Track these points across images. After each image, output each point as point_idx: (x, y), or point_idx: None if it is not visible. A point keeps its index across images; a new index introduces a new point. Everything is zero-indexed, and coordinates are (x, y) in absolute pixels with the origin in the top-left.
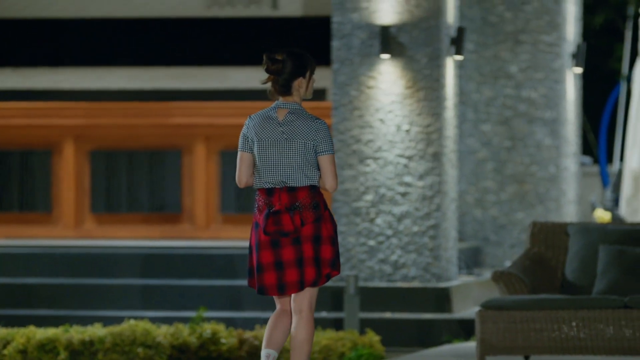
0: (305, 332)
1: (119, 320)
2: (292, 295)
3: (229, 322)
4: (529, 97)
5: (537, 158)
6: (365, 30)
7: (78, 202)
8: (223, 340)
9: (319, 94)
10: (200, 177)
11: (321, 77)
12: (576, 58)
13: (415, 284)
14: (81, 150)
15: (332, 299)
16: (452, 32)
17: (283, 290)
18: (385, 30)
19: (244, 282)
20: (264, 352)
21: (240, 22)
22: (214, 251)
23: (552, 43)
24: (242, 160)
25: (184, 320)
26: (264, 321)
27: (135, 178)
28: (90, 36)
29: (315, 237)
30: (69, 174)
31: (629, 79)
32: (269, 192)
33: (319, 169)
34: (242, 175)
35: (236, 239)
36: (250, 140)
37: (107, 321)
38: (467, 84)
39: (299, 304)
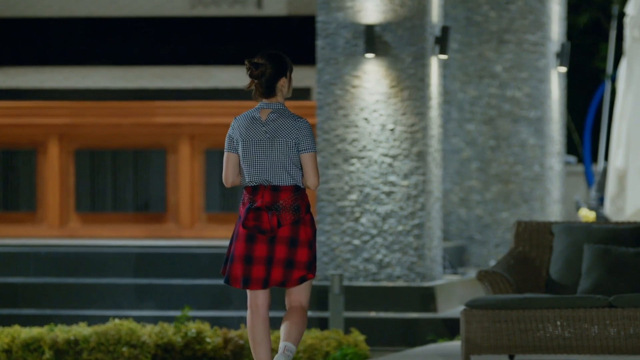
0: (295, 320)
1: (103, 319)
2: (286, 292)
3: (214, 322)
4: (514, 97)
5: (522, 157)
6: (349, 30)
7: (62, 201)
8: (208, 340)
9: (304, 93)
10: (184, 176)
11: (306, 77)
12: (561, 57)
13: (400, 283)
14: (66, 149)
15: (317, 299)
16: (437, 32)
17: (247, 284)
18: (369, 29)
19: None
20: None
21: (224, 21)
22: (198, 250)
23: (536, 42)
24: (228, 161)
25: (169, 319)
26: None
27: (120, 177)
28: (74, 35)
29: (292, 240)
30: (54, 173)
31: (613, 78)
32: (254, 189)
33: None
34: (228, 175)
35: (221, 238)
36: (235, 141)
37: (91, 320)
38: (451, 83)
39: (296, 300)
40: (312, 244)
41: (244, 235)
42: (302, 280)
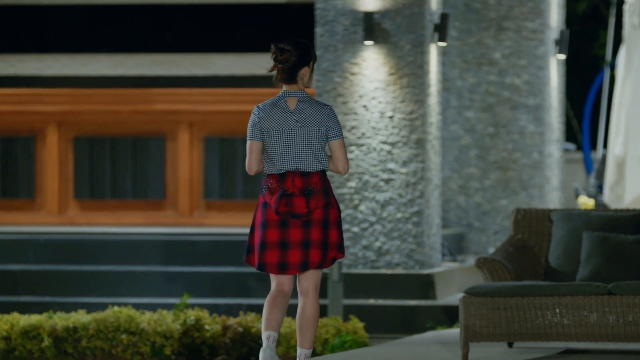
0: (312, 311)
1: (102, 306)
2: (298, 277)
3: (213, 309)
4: (513, 84)
5: (521, 144)
6: (348, 17)
7: (61, 188)
8: (207, 327)
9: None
10: (183, 163)
11: None
12: (560, 44)
13: (399, 270)
14: (64, 136)
15: None
16: (436, 19)
17: (284, 269)
18: (368, 16)
19: (227, 269)
20: (264, 334)
21: (223, 8)
22: (197, 238)
23: (535, 29)
24: (252, 149)
25: (168, 306)
26: (248, 308)
27: (119, 164)
28: (73, 22)
29: (324, 221)
30: (53, 161)
31: (612, 66)
32: (281, 176)
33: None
34: (252, 164)
35: (220, 225)
36: (260, 130)
37: (90, 308)
38: (450, 71)
39: (306, 285)
40: (339, 225)
41: (275, 222)
42: (334, 260)
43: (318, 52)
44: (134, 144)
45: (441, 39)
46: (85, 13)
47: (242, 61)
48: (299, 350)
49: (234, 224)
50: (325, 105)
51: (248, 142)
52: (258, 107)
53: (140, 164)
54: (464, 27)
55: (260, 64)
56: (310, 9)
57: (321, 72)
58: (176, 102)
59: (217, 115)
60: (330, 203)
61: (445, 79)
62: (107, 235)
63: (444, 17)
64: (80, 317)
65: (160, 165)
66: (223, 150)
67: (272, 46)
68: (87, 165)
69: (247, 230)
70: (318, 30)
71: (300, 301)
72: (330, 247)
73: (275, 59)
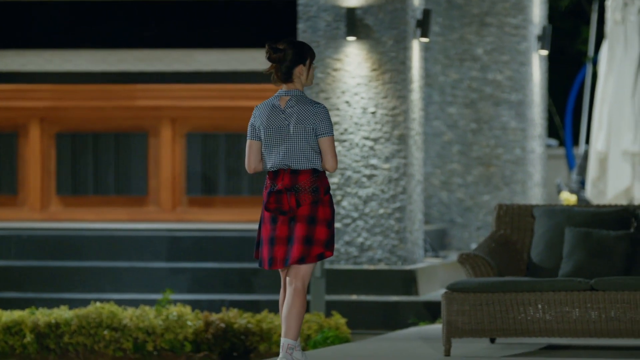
0: (296, 307)
1: (85, 302)
2: (288, 270)
3: (195, 305)
4: (495, 80)
5: (503, 140)
6: (331, 13)
7: (44, 184)
8: (189, 323)
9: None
10: (166, 159)
11: None
12: (542, 40)
13: (381, 266)
14: (47, 132)
15: None
16: (418, 15)
17: (271, 264)
18: (351, 12)
19: (210, 265)
20: (282, 341)
21: (206, 4)
22: (180, 233)
23: (517, 25)
24: (251, 148)
25: (150, 302)
26: (231, 303)
27: (101, 160)
28: (56, 19)
29: (311, 218)
30: (35, 156)
31: (594, 61)
32: (275, 173)
33: (320, 152)
34: (250, 162)
35: (202, 221)
36: (257, 129)
37: (73, 304)
38: (433, 67)
39: (292, 279)
40: (330, 224)
41: (268, 218)
42: (320, 257)
43: None
44: (116, 139)
45: (424, 35)
46: (67, 9)
47: (224, 57)
48: (282, 339)
49: (216, 220)
50: (317, 103)
51: (247, 141)
52: (257, 106)
53: (122, 160)
54: (447, 23)
55: (242, 59)
56: (292, 4)
57: None
58: (159, 97)
59: (200, 111)
60: (321, 201)
61: (427, 75)
62: (90, 231)
63: (426, 13)
64: (63, 313)
65: (143, 161)
66: (205, 146)
67: (266, 45)
68: (70, 161)
69: (229, 226)
70: (300, 26)
71: (287, 294)
72: (315, 243)
73: (268, 58)
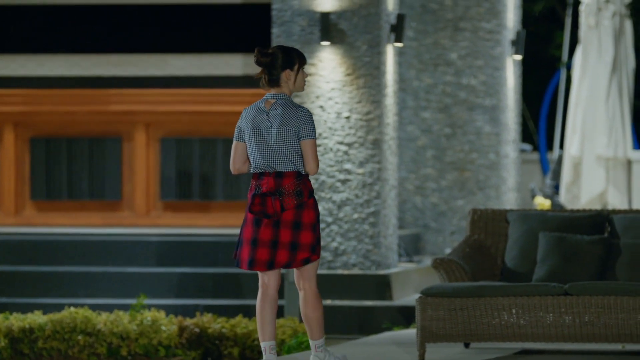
0: (312, 311)
1: (59, 307)
2: (295, 272)
3: (169, 310)
4: (469, 84)
5: (477, 145)
6: (305, 17)
7: (18, 189)
8: (163, 328)
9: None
10: (140, 164)
11: None
12: (516, 45)
13: (356, 271)
14: (21, 137)
15: None
16: (392, 19)
17: (251, 265)
18: (325, 17)
19: (184, 269)
20: (262, 345)
21: (180, 8)
22: (154, 238)
23: (491, 30)
24: (236, 149)
25: (124, 307)
26: (205, 308)
27: (75, 165)
28: (29, 23)
29: (295, 223)
30: (9, 161)
31: (568, 66)
32: (260, 175)
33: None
34: (235, 163)
35: (176, 226)
36: (242, 131)
37: (47, 309)
38: (407, 71)
39: (299, 282)
40: (315, 227)
41: (251, 220)
42: (306, 261)
43: None
44: (90, 144)
45: (398, 40)
46: (41, 13)
47: (198, 62)
48: (310, 342)
49: (190, 225)
50: (301, 107)
51: (233, 142)
52: (245, 109)
53: (96, 164)
54: (421, 27)
55: (217, 64)
56: (266, 9)
57: None
58: (133, 102)
59: (174, 116)
60: (306, 205)
61: (401, 80)
62: (64, 236)
63: (400, 17)
64: (37, 318)
65: (117, 166)
66: (179, 151)
67: (255, 50)
68: (44, 166)
69: (203, 231)
70: (274, 30)
71: (300, 297)
72: (301, 248)
73: (257, 62)
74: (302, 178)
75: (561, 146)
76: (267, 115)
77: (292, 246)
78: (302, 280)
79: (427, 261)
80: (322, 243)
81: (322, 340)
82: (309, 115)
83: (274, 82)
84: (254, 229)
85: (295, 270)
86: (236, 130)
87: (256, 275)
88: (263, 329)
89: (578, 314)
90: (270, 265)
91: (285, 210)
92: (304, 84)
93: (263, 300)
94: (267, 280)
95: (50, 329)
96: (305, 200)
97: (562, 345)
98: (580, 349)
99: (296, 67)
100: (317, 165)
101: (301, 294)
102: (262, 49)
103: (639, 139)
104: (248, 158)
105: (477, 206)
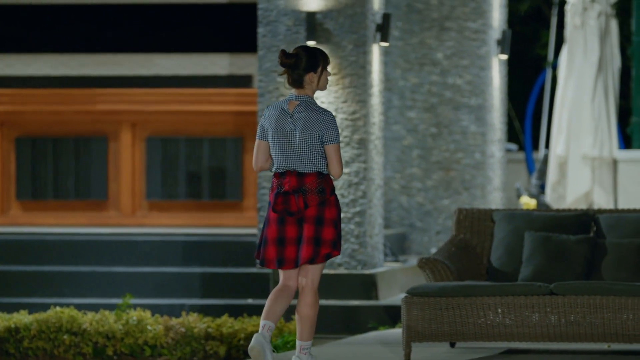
0: (307, 309)
1: (44, 307)
2: (298, 271)
3: (155, 309)
4: (455, 84)
5: (463, 145)
6: (291, 17)
7: (3, 188)
8: (149, 327)
9: (245, 81)
10: (126, 163)
11: (247, 64)
12: (502, 45)
13: (341, 270)
14: (7, 137)
15: (258, 286)
16: (378, 19)
17: (281, 264)
18: (311, 16)
19: (170, 269)
20: (261, 322)
21: (166, 8)
22: (139, 238)
23: (477, 30)
24: (259, 148)
25: (110, 307)
26: (190, 308)
27: (61, 165)
28: (15, 22)
29: (318, 219)
30: None
31: (554, 66)
32: (281, 175)
33: (325, 157)
34: (257, 161)
35: (162, 225)
36: (265, 130)
37: (32, 308)
38: (392, 71)
39: (302, 281)
40: (337, 224)
41: (275, 219)
42: (328, 257)
43: (260, 52)
44: (76, 144)
45: (383, 39)
46: (27, 13)
47: (185, 61)
48: (297, 342)
49: (176, 224)
50: (324, 111)
51: (256, 141)
52: (267, 107)
53: (82, 164)
54: (407, 27)
55: (203, 64)
56: (252, 8)
57: (263, 72)
58: (118, 102)
59: (160, 116)
60: (328, 202)
61: (387, 79)
62: (50, 236)
63: (386, 17)
64: (22, 318)
65: (103, 166)
66: (165, 151)
67: (280, 51)
68: (29, 165)
69: (189, 231)
70: (260, 30)
71: (299, 295)
72: (323, 244)
73: (280, 63)
74: (323, 176)
75: (547, 146)
76: (291, 117)
77: (315, 241)
78: (307, 277)
79: (413, 261)
80: None
81: (309, 344)
82: (332, 119)
83: (297, 83)
84: (279, 227)
85: (301, 269)
86: (259, 128)
87: (243, 275)
88: (269, 310)
89: (564, 313)
90: (297, 262)
91: (308, 207)
92: (327, 83)
93: (281, 291)
94: (289, 280)
95: (35, 328)
96: (327, 197)
97: (547, 345)
98: (566, 349)
99: (320, 69)
100: (342, 169)
101: (301, 290)
102: (286, 50)
103: (624, 138)
104: (270, 156)
105: (462, 206)
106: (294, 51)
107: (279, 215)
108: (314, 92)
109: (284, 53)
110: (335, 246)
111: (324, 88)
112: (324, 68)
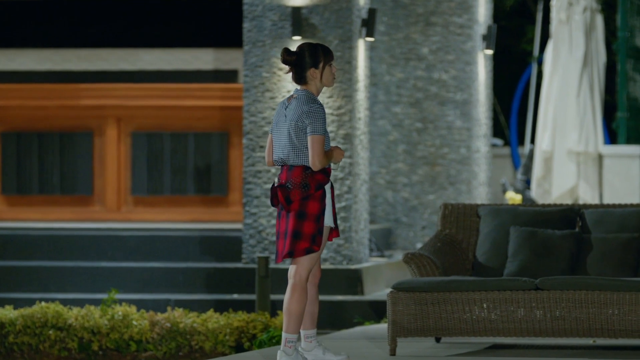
0: (288, 302)
1: (30, 302)
2: (291, 266)
3: (141, 304)
4: (440, 79)
5: (448, 140)
6: (276, 12)
7: None
8: (134, 323)
9: (231, 76)
10: (111, 158)
11: (233, 59)
12: (487, 40)
13: (327, 265)
14: None
15: (244, 281)
16: (363, 14)
17: (276, 258)
18: (296, 11)
19: (155, 264)
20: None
21: (151, 3)
22: (125, 233)
23: (463, 25)
24: (269, 142)
25: (96, 302)
26: (176, 303)
27: (46, 160)
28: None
29: (301, 213)
30: None
31: (540, 61)
32: (280, 169)
33: None
34: (267, 155)
35: (147, 220)
36: (272, 125)
37: (18, 303)
38: (378, 66)
39: (290, 273)
40: (319, 219)
41: (277, 213)
42: (308, 251)
43: (246, 47)
44: (61, 139)
45: (369, 34)
46: (11, 8)
47: (169, 56)
48: (283, 334)
49: (161, 220)
50: (312, 103)
51: (269, 136)
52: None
53: (67, 159)
54: (392, 22)
55: (187, 59)
56: (238, 4)
57: (249, 67)
58: (103, 97)
59: (145, 110)
60: (312, 196)
61: (373, 74)
62: (35, 231)
63: (371, 12)
64: (7, 313)
65: (88, 161)
66: (150, 145)
67: (282, 49)
68: (14, 160)
69: (174, 226)
70: (246, 25)
71: (288, 285)
72: (303, 237)
73: (282, 61)
74: (309, 171)
75: (532, 141)
76: (285, 110)
77: (294, 234)
78: (294, 272)
79: (398, 256)
80: None
81: (292, 336)
82: (316, 110)
83: (300, 79)
84: (277, 221)
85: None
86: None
87: (228, 270)
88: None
89: (549, 308)
90: (278, 256)
91: (291, 202)
92: (333, 79)
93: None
94: (290, 273)
95: (21, 323)
96: (311, 193)
97: (533, 340)
98: (551, 344)
99: (321, 64)
100: (320, 161)
101: (290, 282)
102: (288, 48)
103: (610, 133)
104: None
105: (448, 201)
106: (296, 49)
107: (278, 209)
108: (318, 88)
109: (285, 51)
110: (315, 241)
111: (329, 84)
112: (326, 63)
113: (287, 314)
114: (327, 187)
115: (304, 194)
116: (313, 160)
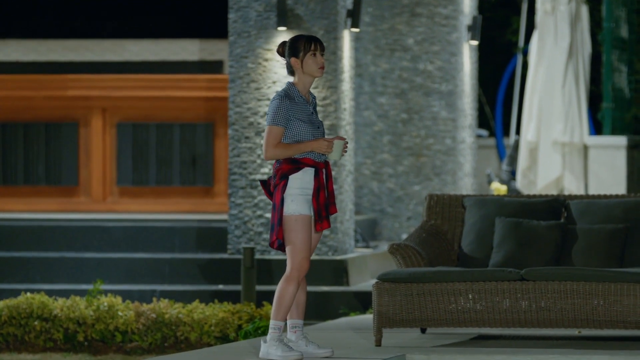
0: (277, 291)
1: (15, 293)
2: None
3: (126, 295)
4: (425, 70)
5: (434, 130)
6: (261, 3)
7: None
8: (120, 313)
9: (216, 67)
10: (96, 149)
11: (218, 50)
12: (472, 30)
13: (312, 256)
14: None
15: (229, 272)
16: (349, 5)
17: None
18: (281, 2)
19: (141, 255)
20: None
21: None
22: (110, 224)
23: (448, 15)
24: None
25: (81, 293)
26: (161, 294)
27: (32, 150)
28: None
29: (273, 204)
30: None
31: (525, 52)
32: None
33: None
34: None
35: (133, 211)
36: None
37: (3, 294)
38: (363, 57)
39: (287, 268)
40: (280, 209)
41: None
42: (279, 242)
43: (231, 38)
44: (46, 129)
45: (354, 25)
46: None
47: (155, 47)
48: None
49: (147, 210)
50: (276, 95)
51: None
52: None
53: (52, 150)
54: (377, 13)
55: (173, 50)
56: None
57: (234, 58)
58: (89, 88)
59: (130, 101)
60: (277, 187)
61: (358, 65)
62: (20, 222)
63: (357, 2)
64: None
65: (73, 151)
66: (136, 136)
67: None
68: (0, 151)
69: (160, 217)
70: (231, 16)
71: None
72: (273, 228)
73: (278, 53)
74: (280, 161)
75: (517, 132)
76: None
77: (271, 227)
78: (287, 260)
79: (384, 247)
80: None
81: (275, 323)
82: (274, 102)
83: (288, 69)
84: None
85: None
86: None
87: (214, 261)
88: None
89: (534, 299)
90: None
91: (273, 193)
92: (318, 69)
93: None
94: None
95: (6, 314)
96: (277, 183)
97: (518, 331)
98: (536, 334)
99: (301, 54)
100: (269, 152)
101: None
102: (285, 40)
103: (595, 124)
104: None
105: (433, 192)
106: (284, 41)
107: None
108: (302, 78)
109: (281, 43)
110: (275, 230)
111: (313, 73)
112: (307, 53)
113: (277, 301)
114: (300, 176)
115: (274, 184)
116: (263, 150)
